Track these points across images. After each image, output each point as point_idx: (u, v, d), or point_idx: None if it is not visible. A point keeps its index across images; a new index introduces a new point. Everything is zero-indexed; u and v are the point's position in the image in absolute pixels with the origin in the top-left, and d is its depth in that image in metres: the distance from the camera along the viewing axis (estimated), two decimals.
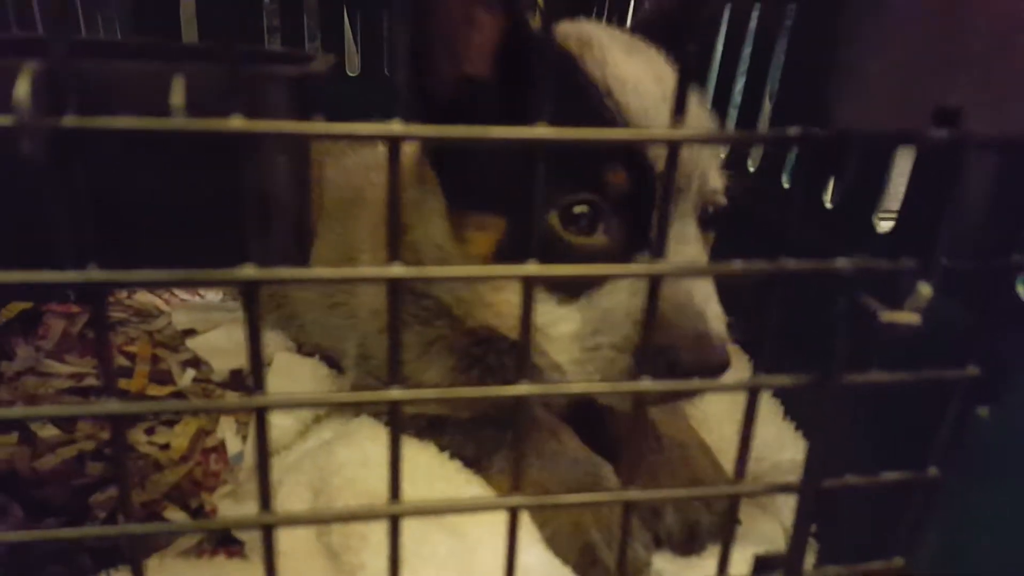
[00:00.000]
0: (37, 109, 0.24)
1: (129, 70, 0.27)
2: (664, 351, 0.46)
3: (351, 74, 1.20)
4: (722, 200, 0.56)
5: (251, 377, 0.31)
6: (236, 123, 0.26)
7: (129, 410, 0.29)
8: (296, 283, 0.29)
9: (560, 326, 0.52)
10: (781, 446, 0.66)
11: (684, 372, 0.46)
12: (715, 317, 0.49)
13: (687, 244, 0.52)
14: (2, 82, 0.29)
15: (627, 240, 0.52)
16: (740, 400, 0.71)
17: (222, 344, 0.85)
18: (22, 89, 0.24)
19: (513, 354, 0.63)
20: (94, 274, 0.27)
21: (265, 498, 0.33)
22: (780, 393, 0.70)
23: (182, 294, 0.99)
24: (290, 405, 0.32)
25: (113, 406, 0.29)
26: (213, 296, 0.99)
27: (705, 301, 0.49)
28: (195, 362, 0.83)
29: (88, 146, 0.26)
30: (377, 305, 0.69)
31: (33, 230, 0.32)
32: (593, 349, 0.50)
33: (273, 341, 0.84)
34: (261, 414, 0.31)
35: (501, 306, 0.57)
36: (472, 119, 0.28)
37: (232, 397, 0.77)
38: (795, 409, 0.69)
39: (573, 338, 0.51)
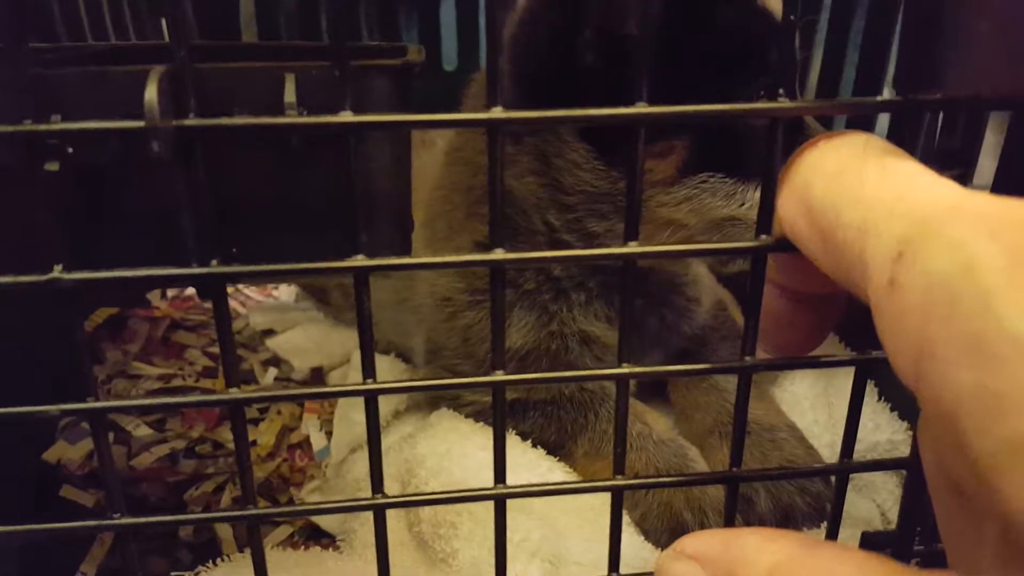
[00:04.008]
0: (163, 111, 0.26)
1: (242, 71, 0.28)
2: None
3: None
4: None
5: (361, 365, 0.32)
6: (346, 117, 0.27)
7: (249, 396, 0.30)
8: (402, 269, 0.29)
9: None
10: (876, 427, 0.65)
11: None
12: None
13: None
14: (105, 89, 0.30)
15: (691, 164, 0.52)
16: (831, 383, 0.70)
17: (301, 343, 0.87)
18: (150, 92, 0.25)
19: (589, 305, 0.64)
20: (215, 268, 0.29)
21: (377, 481, 0.34)
22: (875, 375, 0.68)
23: (257, 295, 1.01)
24: (398, 390, 0.32)
25: (235, 393, 0.30)
26: (287, 297, 1.01)
27: None
28: (275, 361, 0.86)
29: (207, 145, 0.27)
30: (441, 293, 0.70)
31: (149, 232, 0.34)
32: None
33: (352, 340, 0.86)
34: (372, 399, 0.32)
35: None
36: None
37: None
38: (890, 390, 0.68)
39: None
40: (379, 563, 0.36)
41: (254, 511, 0.33)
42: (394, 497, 0.34)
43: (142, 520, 0.34)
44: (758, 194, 0.29)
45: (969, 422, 0.19)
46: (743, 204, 0.52)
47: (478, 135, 0.63)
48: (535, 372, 0.62)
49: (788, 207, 0.27)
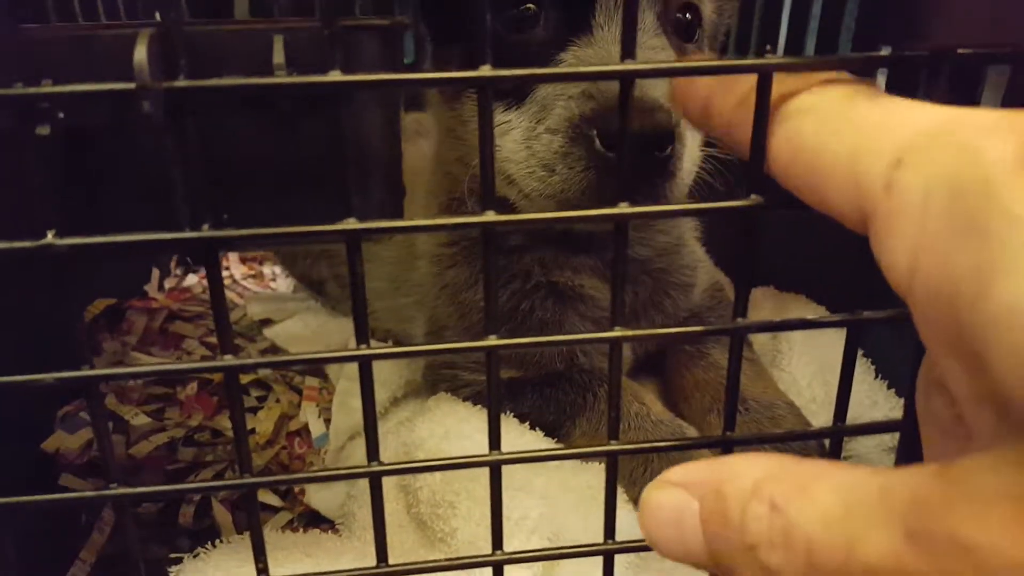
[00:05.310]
0: (153, 72, 0.26)
1: (232, 33, 0.29)
2: (597, 119, 0.49)
3: None
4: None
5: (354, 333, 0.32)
6: (335, 76, 0.27)
7: (244, 363, 0.30)
8: (394, 232, 0.29)
9: (511, 134, 0.55)
10: (873, 404, 0.65)
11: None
12: (653, 88, 0.49)
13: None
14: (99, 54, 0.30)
15: (567, 28, 0.54)
16: (827, 362, 0.70)
17: (298, 332, 0.87)
18: (140, 53, 0.25)
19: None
20: (207, 233, 0.29)
21: (372, 450, 0.34)
22: (871, 353, 0.69)
23: (254, 286, 1.01)
24: (393, 356, 0.33)
25: (229, 360, 0.30)
26: (284, 287, 1.01)
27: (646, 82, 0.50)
28: (273, 351, 0.86)
29: (198, 108, 0.27)
30: (433, 252, 0.71)
31: (142, 202, 0.34)
32: (534, 138, 0.53)
33: (349, 329, 0.86)
34: (367, 365, 0.32)
35: (471, 137, 0.59)
36: None
37: (312, 382, 0.79)
38: (887, 368, 0.68)
39: (521, 138, 0.54)
40: (376, 532, 0.36)
41: (251, 479, 0.33)
42: (390, 464, 0.34)
43: (139, 490, 0.34)
44: None
45: (965, 299, 0.19)
46: None
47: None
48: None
49: (772, 144, 0.27)
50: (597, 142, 0.49)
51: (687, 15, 0.59)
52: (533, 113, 0.54)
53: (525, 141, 0.54)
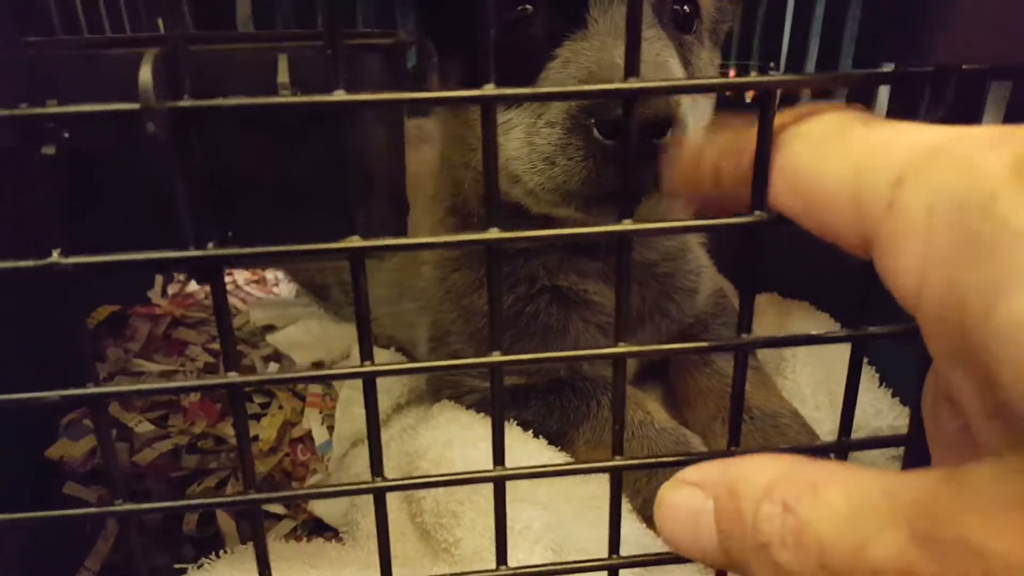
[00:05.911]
0: (158, 92, 0.26)
1: (236, 53, 0.29)
2: (594, 108, 0.49)
3: None
4: None
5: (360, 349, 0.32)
6: (339, 96, 0.27)
7: (247, 380, 0.31)
8: (397, 250, 0.29)
9: (512, 132, 0.55)
10: (878, 413, 0.65)
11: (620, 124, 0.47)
12: (652, 73, 0.49)
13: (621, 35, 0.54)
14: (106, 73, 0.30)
15: (562, 24, 0.54)
16: (831, 371, 0.70)
17: (301, 338, 0.87)
18: (145, 74, 0.25)
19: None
20: (212, 251, 0.29)
21: (376, 464, 0.34)
22: (876, 361, 0.69)
23: (257, 291, 1.01)
24: (397, 373, 0.32)
25: (232, 377, 0.30)
26: (287, 292, 1.01)
27: (650, 68, 0.50)
28: (276, 356, 0.86)
29: (202, 127, 0.27)
30: (437, 259, 0.71)
31: (147, 220, 0.34)
32: (535, 133, 0.53)
33: (352, 334, 0.86)
34: (371, 381, 0.32)
35: (476, 141, 0.60)
36: None
37: (316, 388, 0.79)
38: (891, 376, 0.68)
39: (523, 134, 0.55)
40: (380, 548, 0.36)
41: (255, 496, 0.33)
42: (393, 480, 0.34)
43: (145, 506, 0.34)
44: None
45: (972, 314, 0.20)
46: None
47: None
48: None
49: (770, 172, 0.27)
50: (595, 131, 0.50)
51: (684, 7, 0.59)
52: (533, 109, 0.54)
53: (527, 137, 0.54)
